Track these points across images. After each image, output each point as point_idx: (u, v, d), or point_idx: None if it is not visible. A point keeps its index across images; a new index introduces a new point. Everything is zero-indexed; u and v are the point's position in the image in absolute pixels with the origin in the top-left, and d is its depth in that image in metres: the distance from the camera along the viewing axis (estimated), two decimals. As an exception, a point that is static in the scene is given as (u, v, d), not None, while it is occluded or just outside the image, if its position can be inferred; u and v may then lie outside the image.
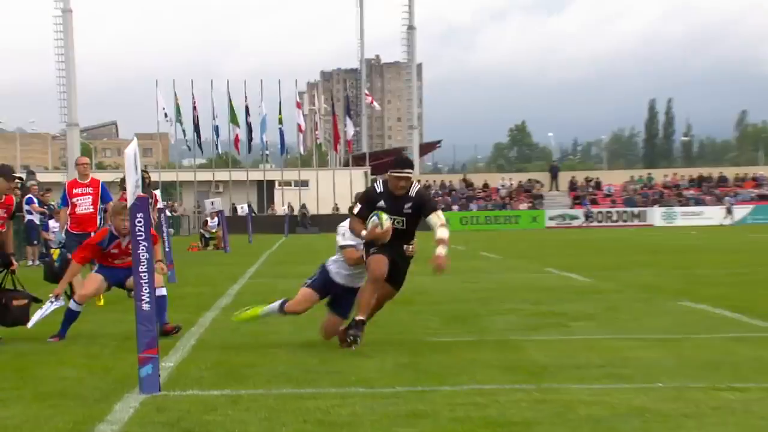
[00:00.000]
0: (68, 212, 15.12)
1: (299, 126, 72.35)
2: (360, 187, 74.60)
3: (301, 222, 65.21)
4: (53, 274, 13.58)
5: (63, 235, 15.27)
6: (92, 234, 13.63)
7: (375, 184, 9.99)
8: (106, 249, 10.99)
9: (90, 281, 11.14)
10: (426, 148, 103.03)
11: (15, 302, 10.68)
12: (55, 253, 14.38)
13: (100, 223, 15.13)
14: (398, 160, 9.93)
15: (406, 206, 9.71)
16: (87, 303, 11.26)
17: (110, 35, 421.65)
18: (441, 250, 9.37)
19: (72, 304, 10.94)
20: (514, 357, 8.99)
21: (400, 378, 7.90)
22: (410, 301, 14.58)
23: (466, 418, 6.39)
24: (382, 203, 9.69)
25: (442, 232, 9.50)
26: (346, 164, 77.77)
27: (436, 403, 6.89)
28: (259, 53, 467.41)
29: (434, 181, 78.34)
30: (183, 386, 7.66)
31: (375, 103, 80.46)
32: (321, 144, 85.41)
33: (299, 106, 72.04)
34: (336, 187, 68.90)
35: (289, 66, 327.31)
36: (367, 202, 9.79)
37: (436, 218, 9.65)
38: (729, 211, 66.09)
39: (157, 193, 19.74)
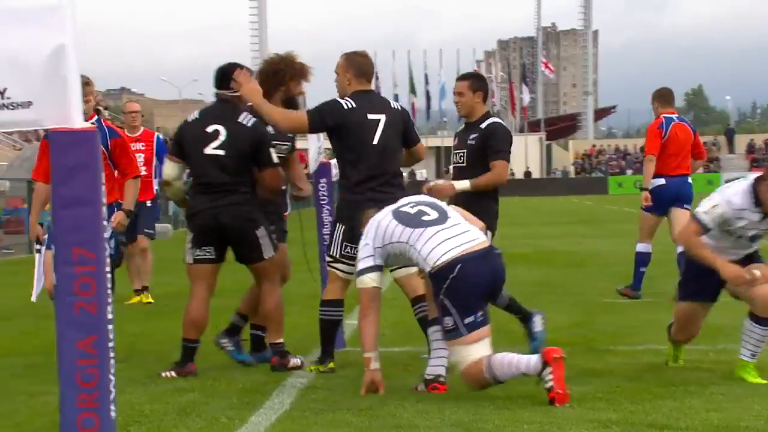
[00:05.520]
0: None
1: (476, 94, 72.22)
2: (535, 153, 74.13)
3: (478, 186, 65.28)
4: (112, 260, 10.89)
5: None
6: (147, 203, 11.02)
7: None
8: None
9: None
10: (600, 114, 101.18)
11: None
12: None
13: (158, 189, 11.51)
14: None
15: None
16: None
17: (301, 13, 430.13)
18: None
19: None
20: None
21: (575, 337, 7.81)
22: (582, 263, 14.39)
23: (639, 378, 6.27)
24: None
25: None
26: (522, 130, 77.16)
27: (610, 362, 6.79)
28: (438, 26, 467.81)
29: (608, 145, 76.90)
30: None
31: (551, 71, 79.45)
32: (498, 111, 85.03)
33: (476, 74, 71.88)
34: (512, 153, 68.58)
35: (467, 36, 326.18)
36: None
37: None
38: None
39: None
